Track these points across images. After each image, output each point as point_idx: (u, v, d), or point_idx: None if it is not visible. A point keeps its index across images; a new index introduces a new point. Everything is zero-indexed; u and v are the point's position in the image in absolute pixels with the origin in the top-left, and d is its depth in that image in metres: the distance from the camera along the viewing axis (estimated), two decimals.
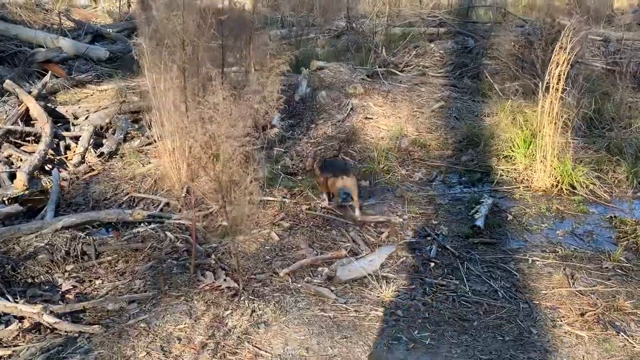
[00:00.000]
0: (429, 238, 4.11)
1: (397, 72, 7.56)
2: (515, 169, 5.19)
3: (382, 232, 4.17)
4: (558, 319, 3.21)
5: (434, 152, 5.66)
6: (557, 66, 4.90)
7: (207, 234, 4.02)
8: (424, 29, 8.94)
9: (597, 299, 3.40)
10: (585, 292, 3.47)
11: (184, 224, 4.16)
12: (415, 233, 4.18)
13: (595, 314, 3.24)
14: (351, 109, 6.21)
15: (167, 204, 4.48)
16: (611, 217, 4.47)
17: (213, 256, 3.71)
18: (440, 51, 8.10)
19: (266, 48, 6.63)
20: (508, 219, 4.44)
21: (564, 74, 4.90)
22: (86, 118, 6.12)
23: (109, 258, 3.70)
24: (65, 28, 8.86)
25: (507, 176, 5.15)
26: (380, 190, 4.93)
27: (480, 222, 4.23)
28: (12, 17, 9.58)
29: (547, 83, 4.96)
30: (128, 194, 4.75)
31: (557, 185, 4.91)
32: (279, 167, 5.23)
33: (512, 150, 5.33)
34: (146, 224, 4.12)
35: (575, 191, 4.84)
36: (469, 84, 7.29)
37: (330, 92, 6.44)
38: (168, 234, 3.99)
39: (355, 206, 4.42)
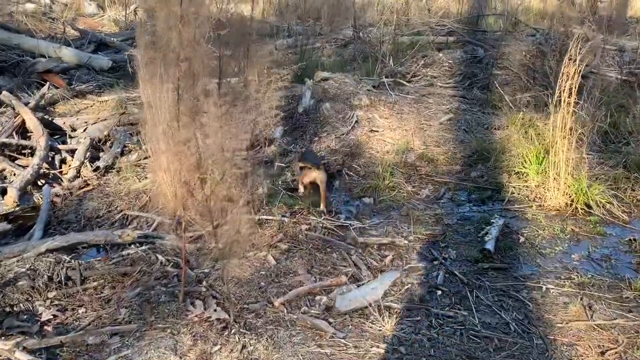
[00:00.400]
0: (435, 262, 3.82)
1: (404, 82, 7.28)
2: (527, 187, 4.89)
3: (386, 256, 3.88)
4: (576, 358, 2.91)
5: (442, 167, 5.37)
6: (568, 79, 4.61)
7: (201, 256, 3.76)
8: (433, 37, 8.66)
9: (618, 334, 3.10)
10: (604, 327, 3.16)
11: (177, 245, 3.91)
12: (421, 257, 3.89)
13: (616, 353, 2.94)
14: (356, 121, 5.94)
15: (161, 223, 4.23)
16: (630, 239, 4.16)
17: (204, 282, 3.44)
18: (449, 61, 7.81)
19: (265, 60, 6.38)
20: (520, 241, 4.14)
21: (575, 87, 4.60)
22: (84, 130, 5.90)
23: (95, 284, 3.45)
24: (68, 37, 8.67)
25: (519, 194, 4.85)
26: (384, 209, 4.65)
27: (490, 246, 3.94)
28: (18, 25, 9.43)
29: (558, 97, 4.67)
30: (122, 211, 4.50)
31: (571, 205, 4.60)
32: (280, 182, 4.97)
33: (524, 167, 5.03)
34: (137, 245, 3.86)
35: (591, 211, 4.53)
36: (478, 95, 7.00)
37: (334, 104, 6.18)
38: (159, 256, 3.73)
39: (321, 202, 4.55)
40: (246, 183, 4.67)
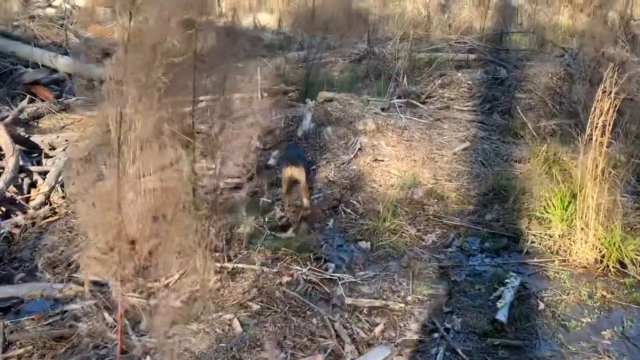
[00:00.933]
0: (436, 335, 3.11)
1: (418, 103, 6.56)
2: (549, 236, 4.13)
3: (377, 324, 3.18)
4: None
5: (452, 206, 4.63)
6: (601, 114, 3.86)
7: (155, 316, 3.11)
8: (452, 55, 7.91)
9: None
10: None
11: (132, 297, 3.27)
12: (420, 326, 3.18)
13: None
14: (359, 148, 5.25)
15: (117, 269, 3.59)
16: None
17: (149, 358, 2.79)
18: (468, 81, 7.06)
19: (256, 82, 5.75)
20: (539, 307, 3.41)
21: (609, 124, 3.86)
22: (64, 149, 5.32)
23: (21, 351, 2.82)
24: (69, 45, 8.15)
25: (540, 244, 4.10)
26: (382, 257, 3.94)
27: (503, 316, 3.21)
28: (25, 31, 8.98)
29: (589, 135, 3.93)
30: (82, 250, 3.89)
31: (601, 261, 3.83)
32: (266, 219, 4.30)
33: (547, 211, 4.28)
34: (82, 299, 3.22)
35: (626, 270, 3.76)
36: (498, 120, 6.24)
37: (337, 128, 5.49)
38: (106, 315, 3.10)
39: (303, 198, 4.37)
40: (215, 224, 4.02)
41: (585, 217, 3.92)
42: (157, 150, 3.89)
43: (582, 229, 3.92)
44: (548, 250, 4.04)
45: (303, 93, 6.86)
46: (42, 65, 6.97)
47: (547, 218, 4.26)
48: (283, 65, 7.98)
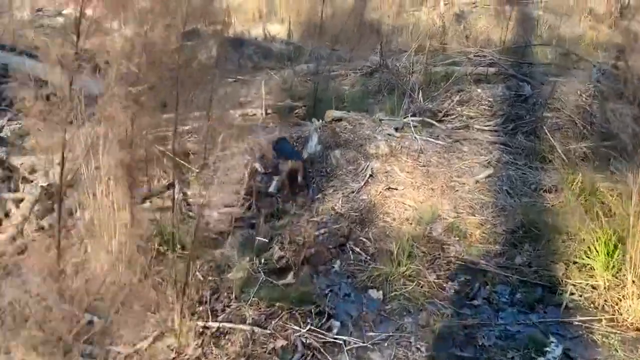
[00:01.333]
0: None
1: (434, 122, 5.89)
2: (592, 287, 3.45)
3: None
4: None
5: (476, 245, 3.96)
6: None
7: None
8: (471, 68, 7.22)
9: None
10: None
11: None
12: None
13: None
14: (370, 175, 4.60)
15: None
16: None
17: None
18: (489, 98, 6.37)
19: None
20: None
21: None
22: (45, 174, 4.73)
23: None
24: (62, 56, 7.58)
25: (581, 296, 3.42)
26: (396, 311, 3.28)
27: None
28: (32, 41, 8.45)
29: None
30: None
31: None
32: (263, 260, 3.67)
33: (587, 256, 3.60)
34: None
35: None
36: (524, 142, 5.54)
37: (345, 151, 4.85)
38: None
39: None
40: (201, 268, 3.41)
41: (636, 267, 3.24)
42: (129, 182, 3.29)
43: (633, 281, 3.24)
44: (592, 305, 3.36)
45: (311, 109, 6.23)
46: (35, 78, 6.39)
47: (588, 264, 3.58)
48: (291, 78, 7.35)
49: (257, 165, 4.84)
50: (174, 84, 3.20)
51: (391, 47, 8.94)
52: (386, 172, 4.67)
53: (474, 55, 7.34)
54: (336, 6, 10.68)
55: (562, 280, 3.55)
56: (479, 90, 6.58)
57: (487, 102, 6.35)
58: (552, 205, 4.40)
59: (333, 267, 3.70)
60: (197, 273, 3.40)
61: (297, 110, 6.39)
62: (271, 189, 4.53)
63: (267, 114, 5.99)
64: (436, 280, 3.57)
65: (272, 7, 11.97)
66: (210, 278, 3.40)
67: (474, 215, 4.27)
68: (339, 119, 5.33)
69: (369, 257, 3.77)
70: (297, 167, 4.48)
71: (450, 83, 6.73)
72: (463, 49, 7.76)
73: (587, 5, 11.93)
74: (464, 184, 4.66)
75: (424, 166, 4.83)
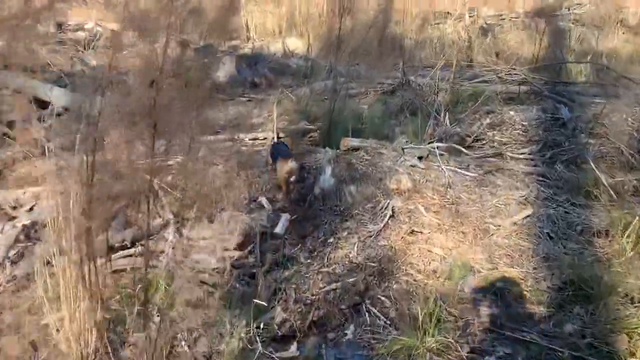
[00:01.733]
0: None
1: (462, 149, 5.20)
2: None
3: None
4: None
5: (517, 306, 3.27)
6: None
7: None
8: (501, 87, 6.52)
9: None
10: None
11: None
12: None
13: None
14: (391, 215, 3.94)
15: None
16: None
17: None
18: (523, 122, 5.66)
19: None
20: None
21: None
22: (30, 209, 4.19)
23: None
24: (71, 74, 7.09)
25: None
26: None
27: None
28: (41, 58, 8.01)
29: None
30: None
31: None
32: (262, 324, 3.03)
33: None
34: None
35: None
36: (563, 173, 4.82)
37: (362, 186, 4.20)
38: None
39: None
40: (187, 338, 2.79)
41: None
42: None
43: None
44: None
45: (325, 133, 5.60)
46: (35, 99, 5.91)
47: None
48: (306, 97, 6.74)
49: (264, 201, 4.24)
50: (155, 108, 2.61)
51: (414, 62, 8.30)
52: (409, 211, 4.01)
53: (506, 74, 6.62)
54: (357, 19, 10.05)
55: (623, 356, 2.84)
56: (512, 113, 5.87)
57: (520, 126, 5.64)
58: (604, 254, 3.69)
59: (345, 333, 3.05)
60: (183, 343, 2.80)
61: (311, 134, 5.77)
62: (277, 230, 3.91)
63: (278, 137, 5.38)
64: (469, 355, 2.89)
65: (292, 22, 11.41)
66: (196, 350, 2.78)
67: (513, 267, 3.58)
68: (356, 149, 4.69)
69: (388, 322, 3.11)
70: (293, 168, 4.22)
71: (480, 104, 6.04)
72: (492, 66, 7.05)
73: (619, 16, 11.14)
74: (499, 226, 3.97)
75: (453, 204, 4.15)
